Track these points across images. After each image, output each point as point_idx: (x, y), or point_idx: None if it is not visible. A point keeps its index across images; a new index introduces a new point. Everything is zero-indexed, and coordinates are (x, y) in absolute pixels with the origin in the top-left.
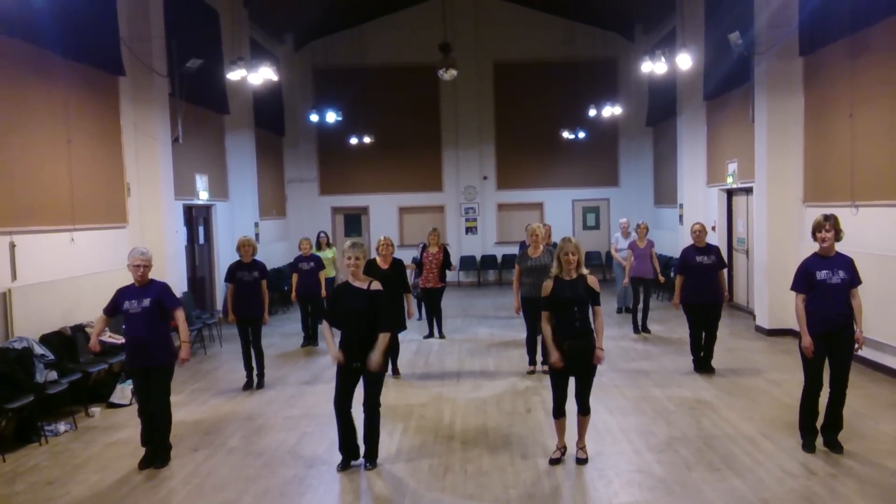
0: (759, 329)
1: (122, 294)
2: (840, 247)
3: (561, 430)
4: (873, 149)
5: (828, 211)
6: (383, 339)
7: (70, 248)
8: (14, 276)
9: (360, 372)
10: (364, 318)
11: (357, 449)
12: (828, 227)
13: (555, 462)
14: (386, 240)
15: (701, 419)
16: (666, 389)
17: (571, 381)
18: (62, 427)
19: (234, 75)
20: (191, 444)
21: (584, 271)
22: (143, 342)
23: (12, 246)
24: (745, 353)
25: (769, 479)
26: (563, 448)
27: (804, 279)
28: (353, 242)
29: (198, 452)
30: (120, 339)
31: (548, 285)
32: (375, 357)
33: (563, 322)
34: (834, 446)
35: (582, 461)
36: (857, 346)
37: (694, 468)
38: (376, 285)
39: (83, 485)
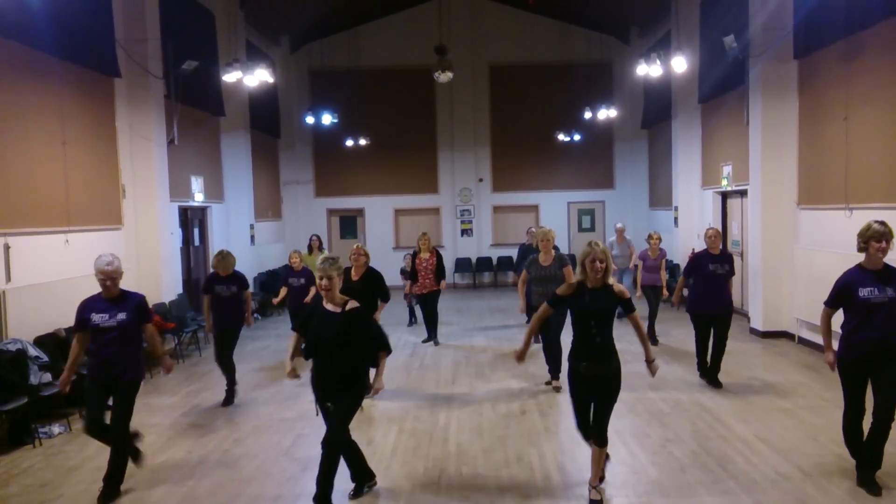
0: (753, 331)
1: (89, 306)
2: (834, 249)
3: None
4: (867, 151)
5: (881, 219)
6: (383, 360)
7: (65, 250)
8: (8, 278)
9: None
10: (335, 347)
11: (365, 471)
12: (889, 236)
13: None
14: (357, 248)
15: (696, 421)
16: (661, 392)
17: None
18: (56, 429)
19: (230, 77)
20: (185, 446)
21: (611, 280)
22: (113, 359)
23: (7, 247)
24: (740, 355)
25: (763, 481)
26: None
27: (841, 296)
28: (324, 257)
29: (192, 455)
30: None
31: (572, 286)
32: (379, 383)
33: (580, 338)
34: (871, 486)
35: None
36: None
37: (688, 470)
38: (352, 304)
39: (77, 487)
